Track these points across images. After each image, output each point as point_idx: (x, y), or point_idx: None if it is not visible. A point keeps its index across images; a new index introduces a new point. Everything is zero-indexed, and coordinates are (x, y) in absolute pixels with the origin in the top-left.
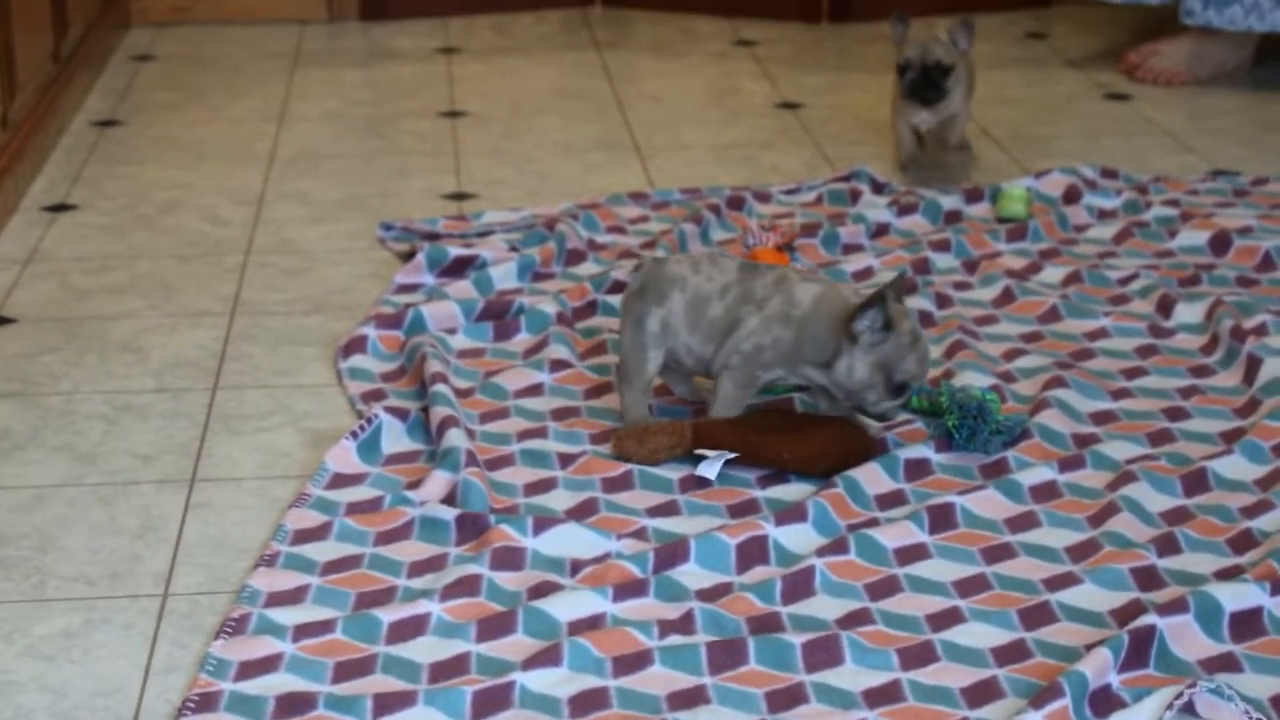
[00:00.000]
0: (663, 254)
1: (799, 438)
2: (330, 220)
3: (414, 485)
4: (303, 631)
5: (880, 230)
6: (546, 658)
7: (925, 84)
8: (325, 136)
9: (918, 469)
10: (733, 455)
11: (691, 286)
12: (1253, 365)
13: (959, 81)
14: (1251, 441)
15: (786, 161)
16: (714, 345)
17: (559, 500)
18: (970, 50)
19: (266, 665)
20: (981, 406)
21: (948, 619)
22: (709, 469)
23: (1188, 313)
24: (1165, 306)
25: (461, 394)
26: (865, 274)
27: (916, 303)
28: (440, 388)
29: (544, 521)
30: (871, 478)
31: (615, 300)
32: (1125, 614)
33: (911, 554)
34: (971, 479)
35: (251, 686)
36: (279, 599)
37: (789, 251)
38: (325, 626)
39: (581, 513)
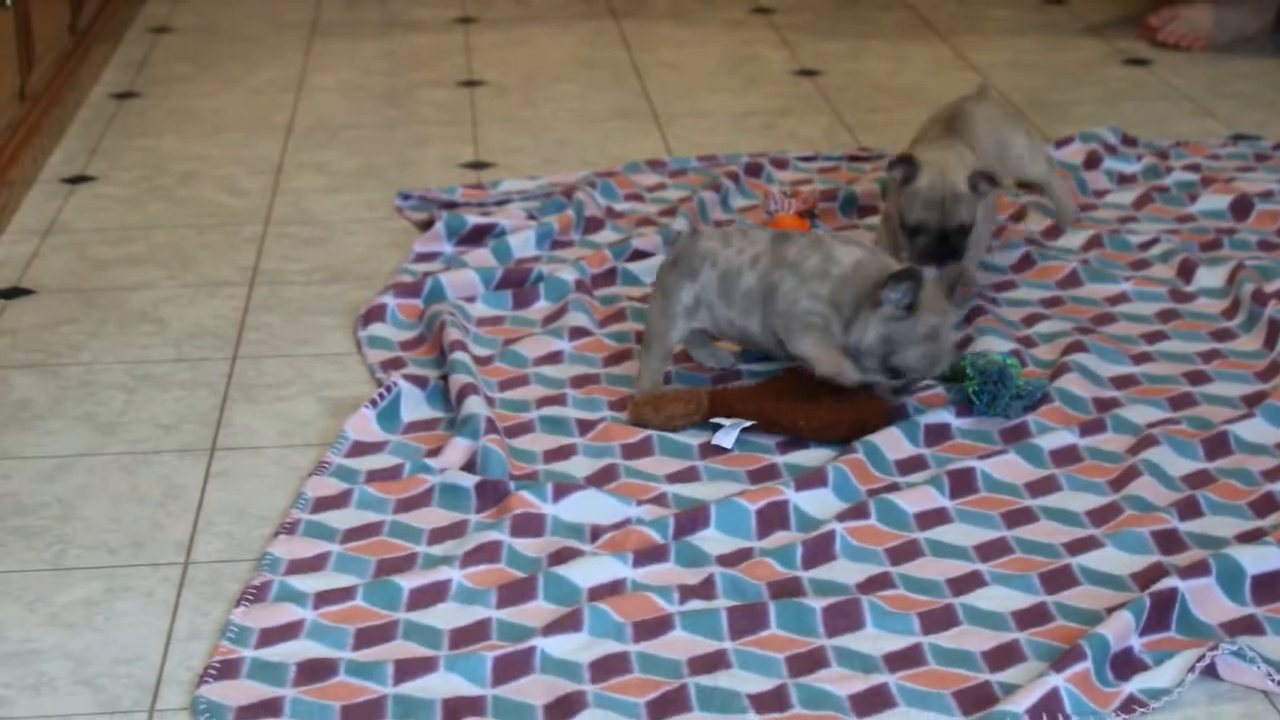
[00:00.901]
0: (686, 225)
1: (816, 406)
2: (348, 190)
3: (434, 453)
4: (323, 599)
5: None
6: (567, 623)
7: (943, 251)
8: (343, 107)
9: (938, 434)
10: (749, 424)
11: (723, 260)
12: (1274, 329)
13: (976, 233)
14: (1273, 405)
15: (804, 128)
16: (756, 316)
17: (578, 467)
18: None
19: (287, 632)
20: (1002, 372)
21: (969, 583)
22: (725, 437)
23: (1209, 277)
24: (1186, 271)
25: (481, 361)
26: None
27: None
28: (459, 355)
29: (564, 488)
30: (891, 443)
31: (635, 268)
32: (1147, 577)
33: (932, 518)
34: (992, 444)
35: (273, 653)
36: (300, 566)
37: (810, 218)
38: (346, 593)
39: (601, 479)
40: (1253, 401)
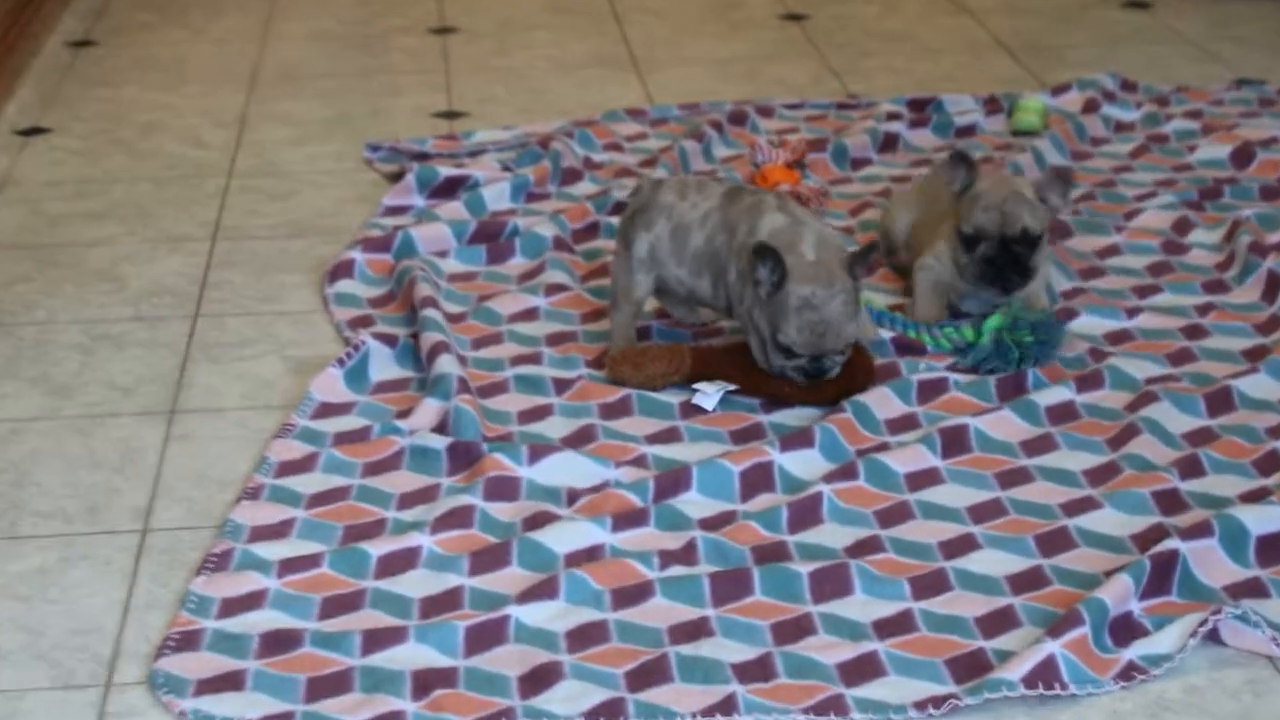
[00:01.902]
0: (664, 175)
1: None
2: (315, 141)
3: (403, 414)
4: (288, 566)
5: (889, 143)
6: (542, 590)
7: (1006, 264)
8: (310, 55)
9: (930, 391)
10: (732, 388)
11: (676, 214)
12: (1274, 281)
13: (1044, 252)
14: (1277, 360)
15: (791, 75)
16: (705, 278)
17: (554, 427)
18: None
19: (250, 602)
20: (1050, 323)
21: (961, 546)
22: (706, 400)
23: (1205, 232)
24: (1182, 224)
25: (453, 319)
26: (884, 193)
27: None
28: (430, 313)
29: (539, 450)
30: (881, 401)
31: (617, 221)
32: (1147, 539)
33: (923, 479)
34: (987, 400)
35: (234, 624)
36: (263, 533)
37: (800, 168)
38: (311, 561)
39: (578, 440)
40: (1255, 356)
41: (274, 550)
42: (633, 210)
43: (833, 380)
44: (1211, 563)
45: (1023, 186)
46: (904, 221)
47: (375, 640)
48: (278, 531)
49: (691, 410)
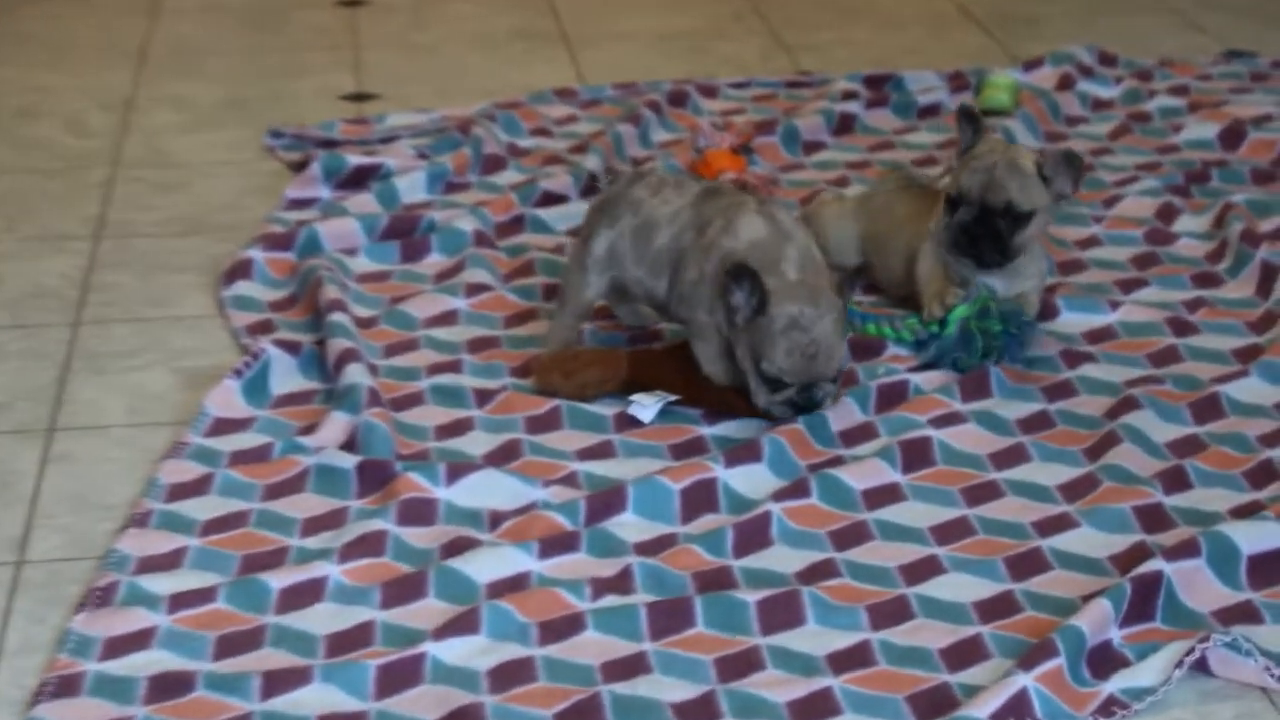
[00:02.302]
0: (646, 169)
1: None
2: (211, 127)
3: (308, 430)
4: (179, 601)
5: (844, 124)
6: (462, 625)
7: (982, 235)
8: (205, 30)
9: (890, 397)
10: (672, 398)
11: (645, 211)
12: (1269, 274)
13: (1036, 241)
14: (1270, 361)
15: (738, 51)
16: (664, 279)
17: (476, 443)
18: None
19: (137, 641)
20: (1023, 317)
21: (924, 570)
22: (643, 412)
23: (1193, 219)
24: (1167, 211)
25: (363, 324)
26: (839, 180)
27: None
28: (338, 317)
29: (458, 468)
30: (836, 410)
31: (545, 214)
32: (1128, 560)
33: (882, 496)
34: (952, 405)
35: (119, 666)
36: (152, 564)
37: (746, 153)
38: (205, 595)
39: (502, 457)
40: (1246, 356)
41: (164, 583)
42: (600, 202)
43: None
44: (1199, 585)
45: (1025, 159)
46: (847, 233)
47: (276, 682)
48: (168, 562)
49: (627, 423)
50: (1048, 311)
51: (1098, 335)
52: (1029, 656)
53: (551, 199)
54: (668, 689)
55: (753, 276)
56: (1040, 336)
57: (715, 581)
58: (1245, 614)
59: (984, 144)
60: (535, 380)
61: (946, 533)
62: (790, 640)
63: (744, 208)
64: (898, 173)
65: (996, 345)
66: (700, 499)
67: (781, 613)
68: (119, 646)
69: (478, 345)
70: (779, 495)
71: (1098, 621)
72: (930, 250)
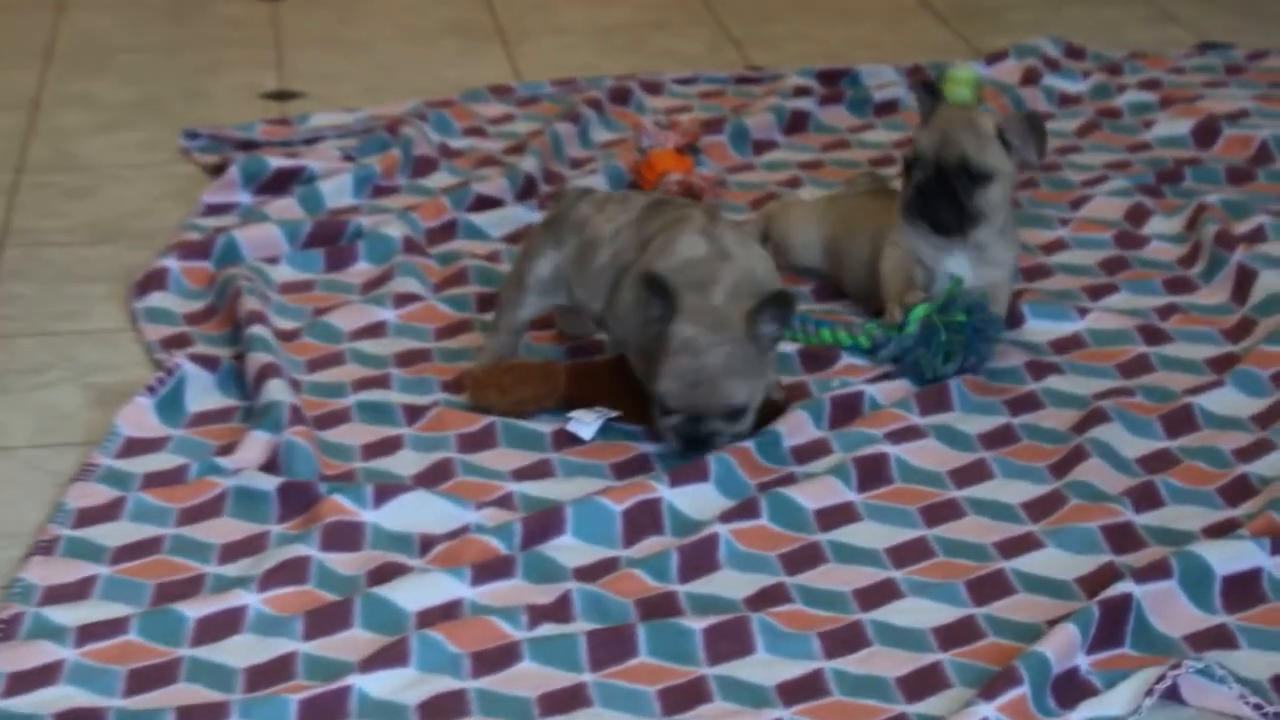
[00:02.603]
0: (589, 186)
1: None
2: (122, 128)
3: (226, 450)
4: (88, 634)
5: (797, 122)
6: (390, 656)
7: (938, 194)
8: (116, 25)
9: (844, 411)
10: (614, 414)
11: (590, 230)
12: (1244, 278)
13: (1003, 210)
14: (1247, 371)
15: (684, 45)
16: (602, 298)
17: (405, 463)
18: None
19: (42, 676)
20: (984, 307)
21: (880, 595)
22: (583, 429)
23: (1164, 221)
24: (1138, 213)
25: (284, 337)
26: (791, 182)
27: None
28: (258, 330)
29: (386, 490)
30: (788, 425)
31: (479, 219)
32: (1095, 582)
33: (836, 516)
34: (908, 416)
35: (24, 703)
36: (58, 594)
37: (693, 153)
38: (116, 627)
39: (432, 478)
40: (1221, 366)
41: (71, 614)
42: (547, 220)
43: None
44: (1171, 609)
45: (984, 120)
46: (811, 236)
47: (192, 719)
48: (76, 592)
49: (566, 440)
50: (1012, 319)
51: (1065, 344)
52: (991, 685)
53: (486, 203)
54: None
55: (663, 287)
56: (1004, 336)
57: (659, 608)
58: (1219, 639)
59: (943, 110)
60: (469, 396)
61: (904, 555)
62: (739, 670)
63: (687, 225)
64: (866, 176)
65: (960, 340)
66: (643, 521)
67: (729, 641)
68: (23, 682)
69: (407, 359)
70: (727, 516)
71: (1064, 648)
72: (892, 251)
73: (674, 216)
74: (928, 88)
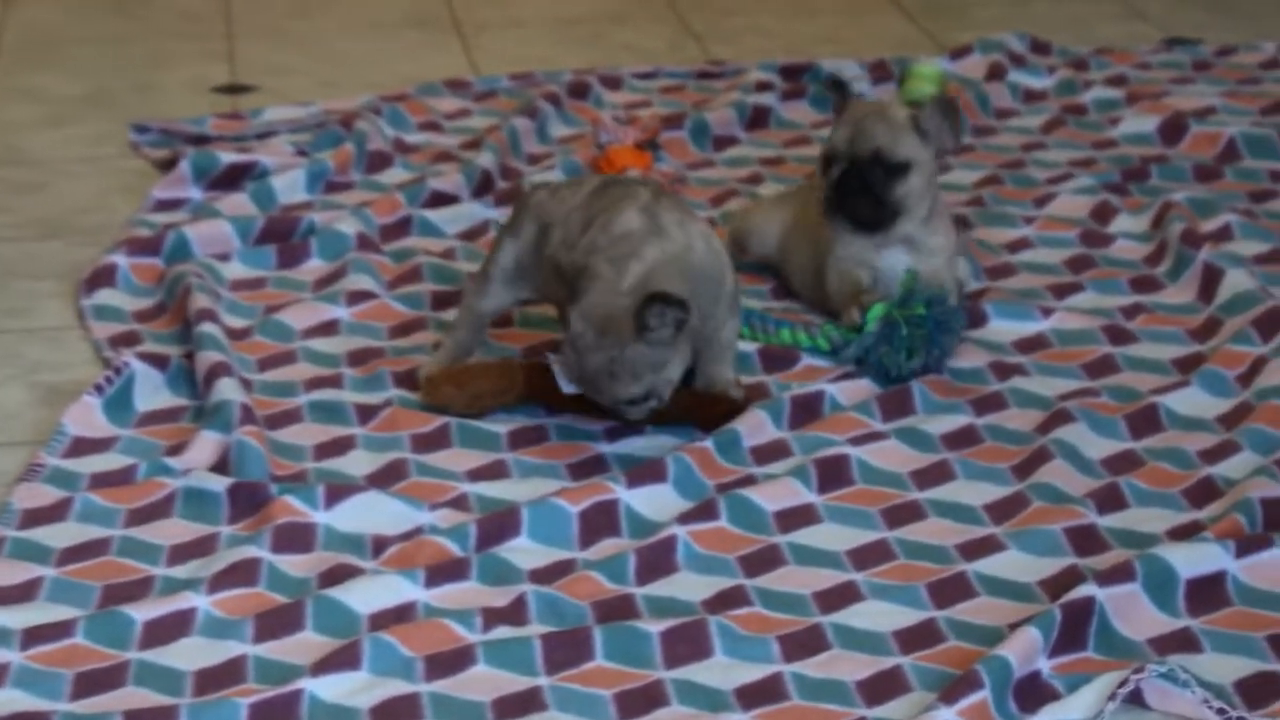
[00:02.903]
0: (554, 180)
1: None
2: (70, 122)
3: (175, 450)
4: (34, 636)
5: (758, 118)
6: (342, 659)
7: (855, 189)
8: (64, 17)
9: (805, 412)
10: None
11: (544, 215)
12: (1211, 277)
13: (926, 199)
14: (1212, 370)
15: (644, 39)
16: (554, 285)
17: (358, 464)
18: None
19: None
20: (944, 299)
21: (840, 597)
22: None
23: (1130, 219)
24: (1103, 211)
25: (235, 335)
26: (752, 179)
27: None
28: (208, 328)
29: (339, 490)
30: (749, 425)
31: (435, 216)
32: (1058, 585)
33: (796, 518)
34: (869, 422)
35: None
36: (3, 596)
37: (652, 149)
38: (62, 629)
39: (386, 478)
40: (1187, 366)
41: (16, 617)
42: (511, 213)
43: (696, 402)
44: (1134, 612)
45: (896, 110)
46: (769, 231)
47: None
48: (21, 594)
49: (521, 440)
50: (975, 319)
51: (1029, 344)
52: (952, 689)
53: (441, 199)
54: None
55: (573, 275)
56: (965, 326)
57: (616, 611)
58: (1183, 642)
59: (854, 104)
60: (424, 395)
61: (864, 557)
62: (696, 673)
63: (629, 202)
64: None
65: (922, 334)
66: (600, 522)
67: (687, 644)
68: None
69: (360, 357)
70: (685, 518)
71: (1025, 651)
72: (835, 262)
73: (619, 194)
74: (837, 85)
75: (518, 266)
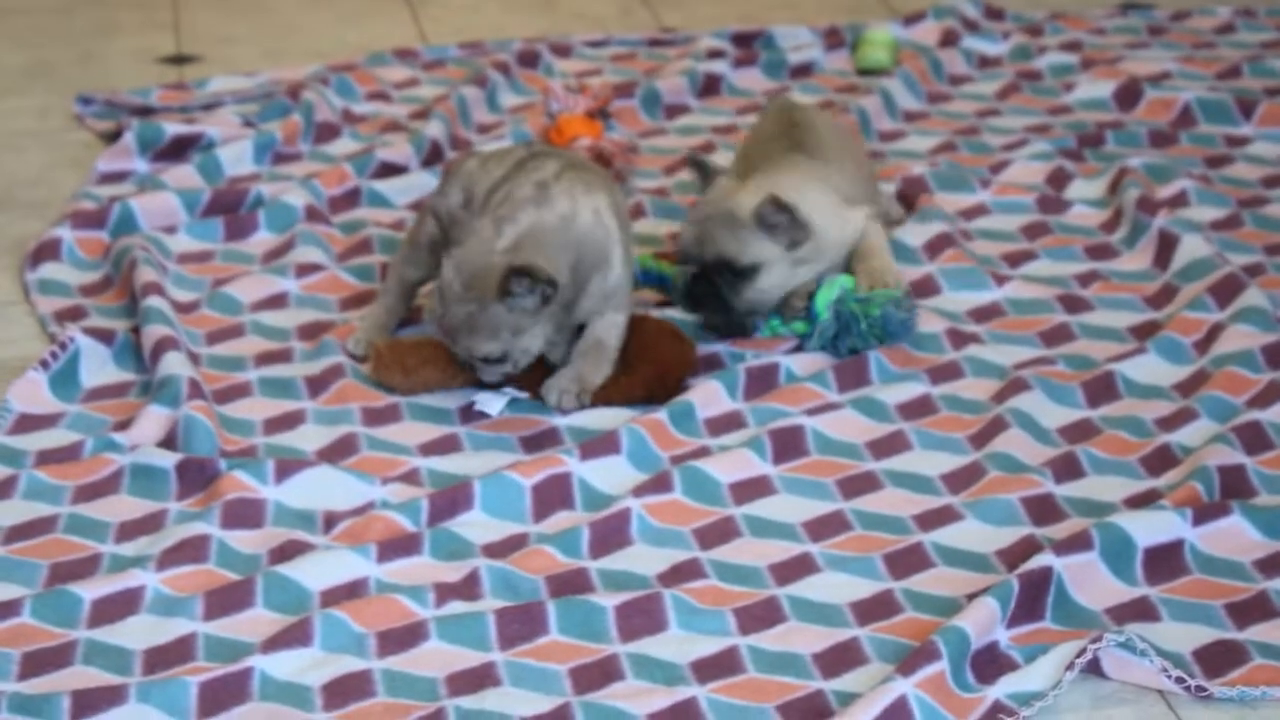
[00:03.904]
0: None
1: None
2: (12, 94)
3: (122, 426)
4: None
5: (710, 86)
6: (293, 636)
7: (705, 294)
8: None
9: (759, 382)
10: (522, 395)
11: (473, 184)
12: (1166, 244)
13: (780, 289)
14: (1169, 337)
15: (593, 6)
16: None
17: (308, 438)
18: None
19: None
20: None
21: (796, 569)
22: (490, 403)
23: (1086, 185)
24: (1059, 177)
25: (183, 309)
26: (705, 147)
27: None
28: (155, 301)
29: (288, 465)
30: (703, 396)
31: (383, 187)
32: (1015, 555)
33: (750, 489)
34: (827, 391)
35: None
36: None
37: (603, 118)
38: (8, 609)
39: (337, 453)
40: (1143, 333)
41: None
42: (440, 181)
43: (645, 377)
44: (1092, 581)
45: (743, 209)
46: None
47: (88, 703)
48: None
49: (473, 414)
50: (929, 290)
51: (984, 313)
52: (909, 661)
53: (390, 170)
54: (518, 702)
55: (444, 219)
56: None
57: (570, 585)
58: (1141, 611)
59: (711, 191)
60: (371, 372)
61: (820, 528)
62: (651, 647)
63: (533, 173)
64: (779, 101)
65: (877, 332)
66: (553, 495)
67: (642, 617)
68: None
69: (310, 331)
70: (639, 490)
71: (983, 622)
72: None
73: (533, 166)
74: (698, 165)
75: (445, 234)
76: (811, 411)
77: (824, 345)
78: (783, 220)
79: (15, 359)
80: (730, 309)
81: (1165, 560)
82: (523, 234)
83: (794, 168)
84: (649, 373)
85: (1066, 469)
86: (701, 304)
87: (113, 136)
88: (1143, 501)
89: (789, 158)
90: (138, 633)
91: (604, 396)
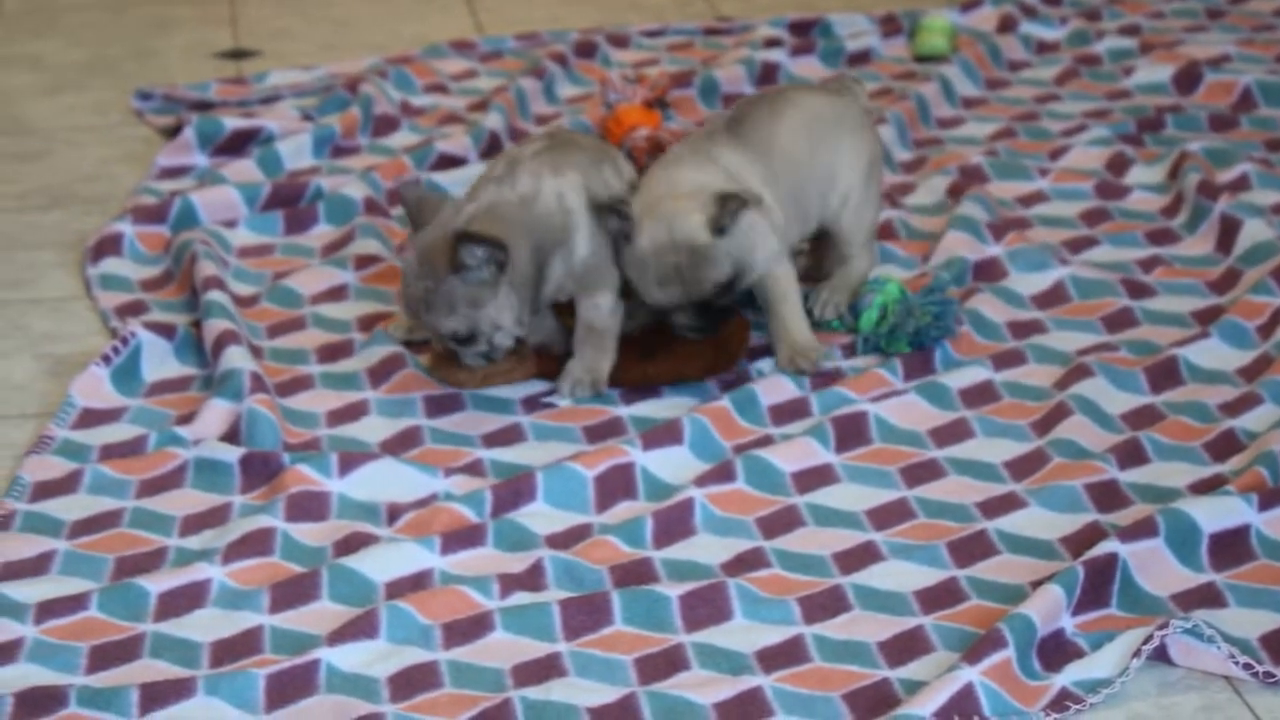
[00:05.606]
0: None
1: (664, 342)
2: (72, 89)
3: (185, 420)
4: (47, 610)
5: (767, 74)
6: (359, 628)
7: (712, 320)
8: None
9: (824, 372)
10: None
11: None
12: (1229, 228)
13: (741, 254)
14: (1232, 322)
15: None
16: None
17: (371, 430)
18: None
19: (2, 655)
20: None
21: (860, 558)
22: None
23: (1146, 170)
24: (1119, 162)
25: (243, 302)
26: None
27: None
28: (216, 295)
29: (352, 458)
30: (767, 385)
31: (443, 178)
32: (1080, 542)
33: (814, 478)
34: (892, 380)
35: None
36: (16, 570)
37: (661, 108)
38: (76, 603)
39: (399, 445)
40: (1206, 318)
41: (30, 591)
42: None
43: (704, 353)
44: (1157, 568)
45: (694, 227)
46: None
47: (156, 695)
48: (34, 568)
49: (536, 404)
50: (994, 274)
51: (1047, 299)
52: (975, 649)
53: (449, 161)
54: (584, 692)
55: (410, 200)
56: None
57: (634, 575)
58: (1207, 597)
59: (642, 236)
60: (431, 371)
61: (884, 517)
62: (716, 637)
63: (515, 153)
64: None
65: (925, 325)
66: (616, 485)
67: (706, 607)
68: None
69: (370, 322)
70: (702, 480)
71: (1048, 609)
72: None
73: (525, 144)
74: (611, 209)
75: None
76: (876, 399)
77: (877, 345)
78: (738, 215)
79: (77, 354)
80: (731, 310)
81: (1231, 546)
82: (477, 211)
83: (692, 165)
84: (706, 345)
85: (1130, 455)
86: (712, 325)
87: (171, 131)
88: (1207, 487)
89: (707, 148)
90: (205, 625)
91: (670, 370)
